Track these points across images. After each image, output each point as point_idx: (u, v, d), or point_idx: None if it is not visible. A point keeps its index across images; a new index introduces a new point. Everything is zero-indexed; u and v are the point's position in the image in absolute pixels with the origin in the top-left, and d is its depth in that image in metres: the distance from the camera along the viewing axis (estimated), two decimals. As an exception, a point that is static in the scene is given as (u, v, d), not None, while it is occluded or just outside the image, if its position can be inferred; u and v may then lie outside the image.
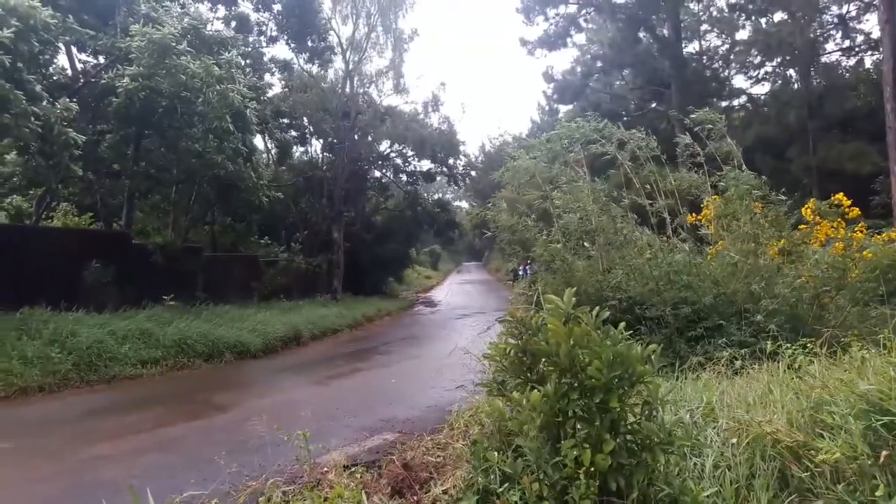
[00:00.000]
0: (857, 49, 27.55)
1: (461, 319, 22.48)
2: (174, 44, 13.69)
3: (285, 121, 27.10)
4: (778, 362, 4.76)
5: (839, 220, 8.61)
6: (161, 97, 13.81)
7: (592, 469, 3.06)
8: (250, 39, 23.97)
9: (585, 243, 9.23)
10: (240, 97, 15.50)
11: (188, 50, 14.33)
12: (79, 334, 10.77)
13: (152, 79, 13.53)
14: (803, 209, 8.98)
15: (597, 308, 3.51)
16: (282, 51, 27.07)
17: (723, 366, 5.27)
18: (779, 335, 5.95)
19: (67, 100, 12.62)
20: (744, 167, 8.58)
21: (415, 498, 3.89)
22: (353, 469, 4.39)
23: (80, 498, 4.88)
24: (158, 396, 9.45)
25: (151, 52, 13.50)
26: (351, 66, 28.07)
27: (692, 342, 6.98)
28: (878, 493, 2.91)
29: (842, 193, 8.82)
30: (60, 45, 14.53)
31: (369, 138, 30.74)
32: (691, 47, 31.50)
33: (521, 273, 41.36)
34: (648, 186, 9.33)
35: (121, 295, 13.87)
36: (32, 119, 11.00)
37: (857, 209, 8.86)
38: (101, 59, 15.91)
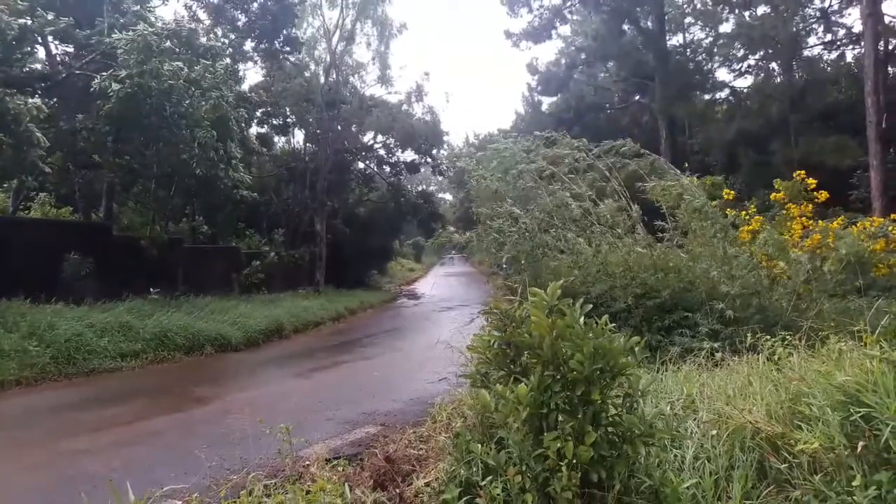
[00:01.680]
0: (838, 43, 27.86)
1: (444, 312, 22.49)
2: (156, 45, 13.55)
3: (268, 109, 26.80)
4: (758, 355, 4.80)
5: (806, 203, 8.71)
6: (149, 97, 13.67)
7: (574, 461, 3.06)
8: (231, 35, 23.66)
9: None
10: (227, 105, 15.53)
11: (173, 49, 14.22)
12: (57, 327, 10.64)
13: (143, 76, 13.36)
14: (773, 195, 9.08)
15: (580, 301, 3.51)
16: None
17: (703, 358, 5.31)
18: (757, 328, 6.00)
19: (38, 100, 12.45)
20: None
21: (397, 491, 3.88)
22: (335, 462, 4.38)
23: (60, 491, 4.82)
24: (138, 390, 9.37)
25: (138, 52, 13.36)
26: (337, 55, 27.87)
27: (662, 333, 7.05)
28: (854, 483, 2.93)
29: (811, 178, 8.94)
30: (38, 38, 14.39)
31: (353, 129, 30.54)
32: (675, 40, 31.73)
33: (504, 266, 41.41)
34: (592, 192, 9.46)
35: (100, 287, 13.69)
36: None
37: (826, 192, 8.97)
38: (84, 53, 15.67)
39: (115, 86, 13.18)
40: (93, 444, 6.23)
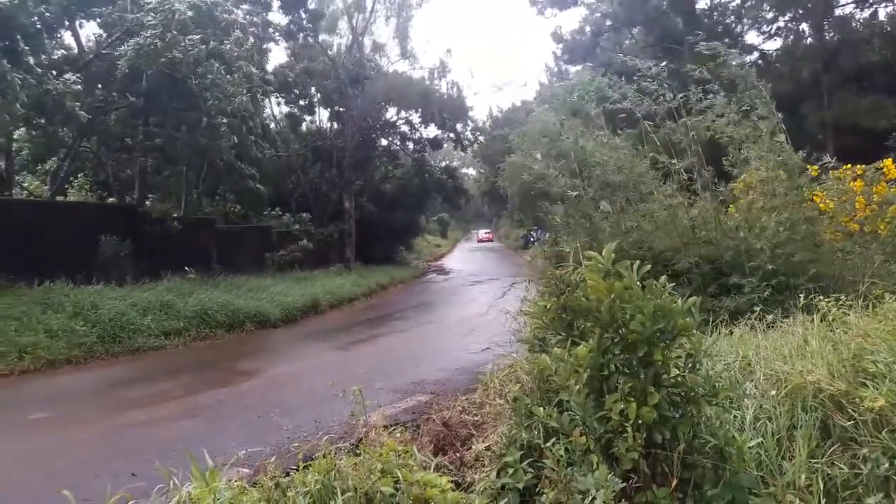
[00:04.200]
0: (871, 1, 26.98)
1: (474, 286, 22.59)
2: (179, 14, 13.59)
3: (295, 91, 26.88)
4: (812, 316, 4.74)
5: (883, 182, 8.49)
6: (173, 69, 13.76)
7: (639, 422, 3.07)
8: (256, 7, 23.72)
9: (603, 201, 9.02)
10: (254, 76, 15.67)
11: (193, 20, 14.27)
12: (101, 307, 10.91)
13: (168, 49, 13.45)
14: (839, 172, 8.82)
15: (637, 262, 3.49)
16: (285, 17, 26.48)
17: (755, 319, 5.26)
18: (813, 288, 5.93)
19: (73, 75, 12.57)
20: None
21: (457, 455, 3.94)
22: (392, 429, 4.45)
23: (126, 460, 4.95)
24: (185, 366, 9.58)
25: (164, 18, 13.43)
26: (359, 31, 27.79)
27: (715, 298, 6.95)
28: (924, 438, 2.92)
29: (890, 160, 8.66)
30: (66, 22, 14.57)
31: (377, 105, 30.47)
32: (703, 3, 30.89)
33: (531, 238, 41.29)
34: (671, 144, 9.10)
35: (137, 268, 13.96)
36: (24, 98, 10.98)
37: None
38: (109, 32, 15.80)
39: (130, 46, 13.29)
40: (150, 418, 6.40)
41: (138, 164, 16.88)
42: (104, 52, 15.04)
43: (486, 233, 74.75)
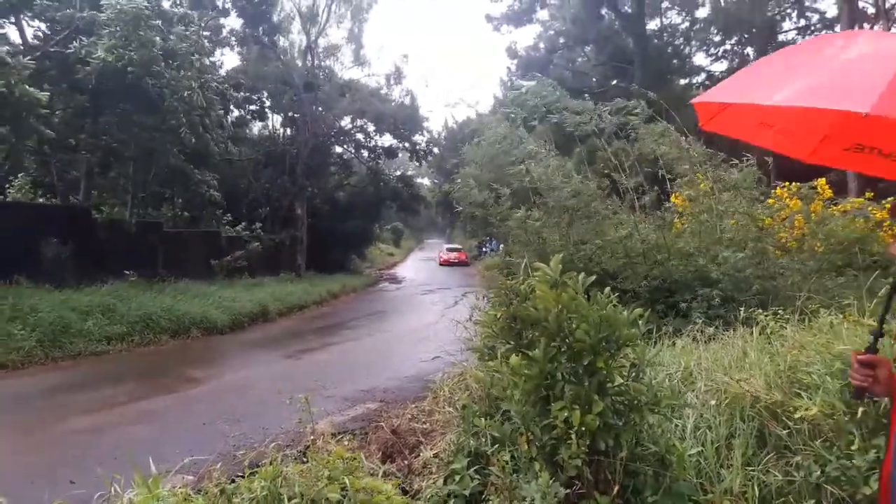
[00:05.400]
0: (812, 28, 28.20)
1: (426, 295, 22.66)
2: (145, 19, 13.36)
3: (244, 93, 26.51)
4: (751, 329, 4.90)
5: (818, 201, 8.84)
6: (131, 67, 13.45)
7: (583, 429, 3.12)
8: (210, 12, 23.35)
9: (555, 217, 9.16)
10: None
11: (155, 23, 14.03)
12: (40, 310, 10.55)
13: (127, 47, 13.14)
14: (777, 190, 9.16)
15: (581, 274, 3.56)
16: (239, 21, 26.18)
17: (697, 331, 5.40)
18: (753, 302, 6.13)
19: (22, 58, 12.11)
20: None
21: (405, 462, 3.94)
22: (340, 437, 4.43)
23: (66, 468, 4.82)
24: (129, 372, 9.34)
25: (125, 24, 13.13)
26: (312, 38, 27.65)
27: (663, 315, 7.13)
28: (853, 447, 3.05)
29: (824, 179, 9.03)
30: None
31: (331, 112, 30.32)
32: (653, 24, 31.77)
33: (484, 249, 41.42)
34: (613, 160, 9.34)
35: (80, 270, 13.54)
36: None
37: (830, 191, 9.10)
38: (58, 30, 15.31)
39: (101, 53, 12.92)
40: (91, 424, 6.23)
41: (85, 165, 16.40)
42: (52, 49, 14.59)
43: (454, 251, 47.36)
